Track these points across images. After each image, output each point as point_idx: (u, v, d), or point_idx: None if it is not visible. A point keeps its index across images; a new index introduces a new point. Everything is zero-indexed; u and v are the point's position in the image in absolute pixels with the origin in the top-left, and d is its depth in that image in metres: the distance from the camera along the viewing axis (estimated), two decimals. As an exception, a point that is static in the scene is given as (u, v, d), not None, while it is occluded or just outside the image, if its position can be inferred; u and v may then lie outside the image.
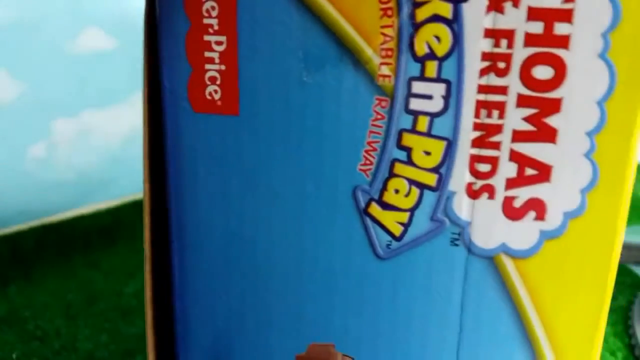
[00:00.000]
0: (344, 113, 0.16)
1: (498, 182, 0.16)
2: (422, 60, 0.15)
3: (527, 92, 0.15)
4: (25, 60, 0.40)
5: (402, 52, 0.15)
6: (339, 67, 0.16)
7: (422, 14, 0.15)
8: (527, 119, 0.15)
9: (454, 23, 0.15)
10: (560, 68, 0.15)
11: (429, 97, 0.15)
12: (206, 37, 0.16)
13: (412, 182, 0.16)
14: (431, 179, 0.16)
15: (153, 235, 0.17)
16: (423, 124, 0.16)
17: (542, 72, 0.15)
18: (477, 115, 0.15)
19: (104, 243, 0.41)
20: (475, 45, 0.15)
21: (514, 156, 0.15)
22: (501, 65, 0.15)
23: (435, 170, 0.16)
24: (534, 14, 0.15)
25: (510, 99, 0.15)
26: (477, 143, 0.15)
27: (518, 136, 0.15)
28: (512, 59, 0.15)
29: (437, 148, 0.16)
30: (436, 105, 0.15)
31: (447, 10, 0.15)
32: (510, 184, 0.16)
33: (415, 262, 0.16)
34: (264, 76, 0.16)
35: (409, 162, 0.16)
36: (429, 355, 0.17)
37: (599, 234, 0.15)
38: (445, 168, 0.16)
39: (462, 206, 0.16)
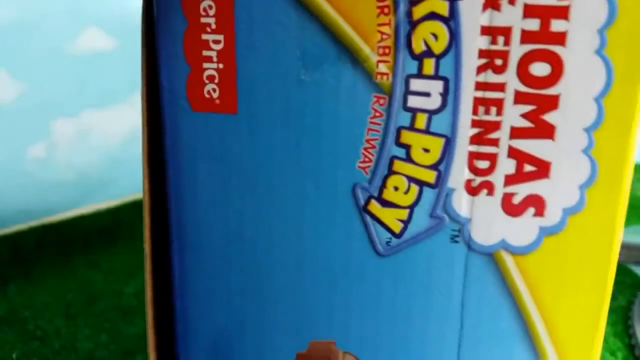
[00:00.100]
0: (343, 111, 0.16)
1: (497, 178, 0.16)
2: (419, 58, 0.15)
3: (524, 88, 0.15)
4: (25, 60, 0.40)
5: (400, 49, 0.15)
6: (336, 66, 0.16)
7: (418, 11, 0.15)
8: (525, 116, 0.15)
9: (451, 20, 0.15)
10: (557, 65, 0.15)
11: (427, 95, 0.15)
12: (204, 36, 0.16)
13: (411, 179, 0.16)
14: (430, 176, 0.16)
15: (153, 234, 0.17)
16: (421, 121, 0.16)
17: (539, 69, 0.15)
18: (475, 112, 0.15)
19: (104, 243, 0.41)
20: (472, 43, 0.15)
21: (513, 153, 0.15)
22: (498, 62, 0.15)
23: (434, 167, 0.16)
24: (530, 11, 0.15)
25: (508, 96, 0.15)
26: (475, 140, 0.16)
27: (516, 133, 0.15)
28: (509, 56, 0.15)
29: (436, 145, 0.16)
30: (434, 102, 0.15)
31: (443, 8, 0.15)
32: (509, 180, 0.16)
33: (415, 259, 0.17)
34: (262, 74, 0.16)
35: (408, 159, 0.16)
36: (430, 351, 0.17)
37: (598, 229, 0.16)
38: (444, 165, 0.16)
39: (462, 203, 0.16)
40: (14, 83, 0.40)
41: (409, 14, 0.15)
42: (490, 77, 0.15)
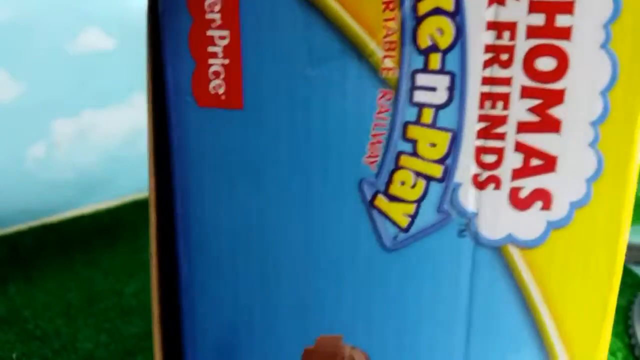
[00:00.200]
0: (349, 106, 0.16)
1: (504, 172, 0.16)
2: (425, 53, 0.15)
3: (530, 83, 0.15)
4: (25, 60, 0.40)
5: (405, 44, 0.15)
6: (342, 61, 0.16)
7: (424, 7, 0.15)
8: (531, 110, 0.15)
9: (457, 15, 0.15)
10: (562, 59, 0.15)
11: (433, 89, 0.16)
12: (209, 32, 0.16)
13: (418, 173, 0.16)
14: (437, 171, 0.16)
15: (159, 230, 0.17)
16: (428, 116, 0.16)
17: (545, 64, 0.15)
18: (481, 107, 0.15)
19: (104, 243, 0.41)
20: (478, 38, 0.15)
21: (519, 147, 0.15)
22: (504, 57, 0.15)
23: (440, 161, 0.16)
24: (535, 6, 0.15)
25: (514, 90, 0.15)
26: (482, 134, 0.16)
27: (523, 127, 0.15)
28: (514, 50, 0.15)
29: (443, 140, 0.16)
30: (440, 97, 0.16)
31: (449, 3, 0.15)
32: (516, 174, 0.16)
33: (423, 254, 0.17)
34: (268, 70, 0.16)
35: (415, 154, 0.16)
36: (438, 345, 0.17)
37: (605, 223, 0.16)
38: (451, 159, 0.16)
39: (469, 197, 0.16)
40: (14, 83, 0.40)
41: (415, 9, 0.15)
42: (497, 71, 0.15)
